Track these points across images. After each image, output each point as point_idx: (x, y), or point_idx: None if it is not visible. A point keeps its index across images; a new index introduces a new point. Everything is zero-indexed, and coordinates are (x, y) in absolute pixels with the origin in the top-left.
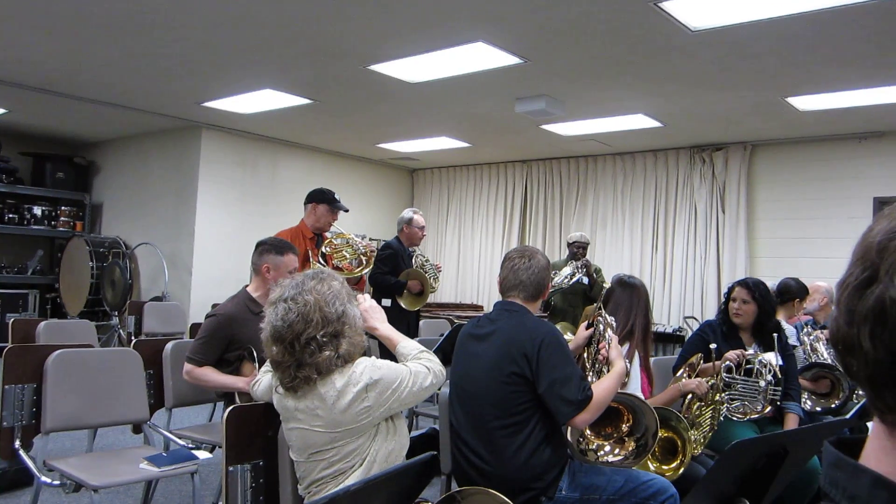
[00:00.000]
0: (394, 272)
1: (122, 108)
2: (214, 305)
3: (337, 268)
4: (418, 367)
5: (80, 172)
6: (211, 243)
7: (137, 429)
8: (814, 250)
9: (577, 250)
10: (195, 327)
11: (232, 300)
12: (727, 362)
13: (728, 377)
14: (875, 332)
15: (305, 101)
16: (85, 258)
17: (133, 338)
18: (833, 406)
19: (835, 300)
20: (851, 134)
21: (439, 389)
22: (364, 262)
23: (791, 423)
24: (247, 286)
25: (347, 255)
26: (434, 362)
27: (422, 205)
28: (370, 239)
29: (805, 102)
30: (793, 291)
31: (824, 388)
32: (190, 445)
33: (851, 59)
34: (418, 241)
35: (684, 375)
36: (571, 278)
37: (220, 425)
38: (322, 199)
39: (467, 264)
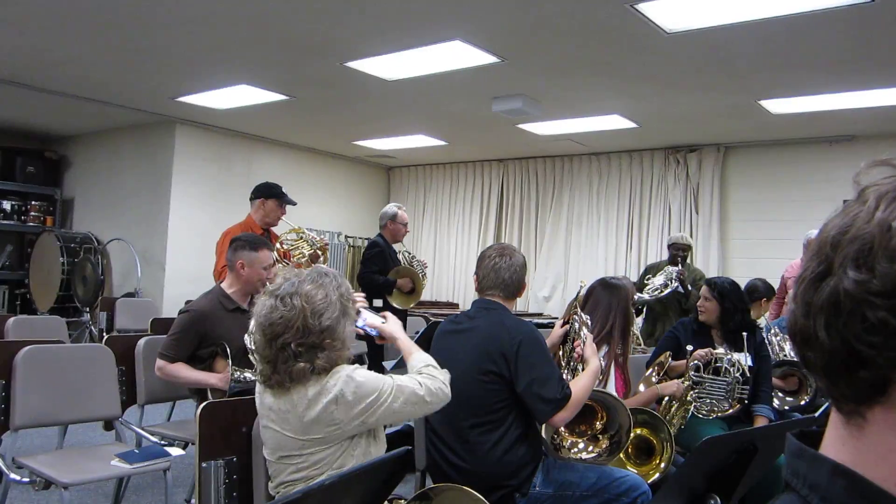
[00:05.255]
0: (382, 271)
1: (95, 102)
2: (188, 302)
3: (297, 264)
4: (409, 381)
5: (50, 167)
6: (184, 239)
7: (109, 426)
8: (785, 251)
9: (677, 253)
10: (157, 322)
11: (206, 296)
12: (695, 361)
13: (696, 375)
14: (830, 322)
15: (281, 97)
16: (55, 254)
17: (105, 334)
18: (802, 403)
19: (792, 295)
20: (822, 137)
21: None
22: (320, 255)
23: (760, 425)
24: (220, 282)
25: (306, 253)
26: (435, 378)
27: (398, 203)
28: (346, 237)
29: (778, 105)
30: (759, 291)
31: (793, 386)
32: (162, 442)
33: (824, 64)
34: (401, 238)
35: (654, 375)
36: (664, 289)
37: (192, 422)
38: (270, 193)
39: (443, 263)
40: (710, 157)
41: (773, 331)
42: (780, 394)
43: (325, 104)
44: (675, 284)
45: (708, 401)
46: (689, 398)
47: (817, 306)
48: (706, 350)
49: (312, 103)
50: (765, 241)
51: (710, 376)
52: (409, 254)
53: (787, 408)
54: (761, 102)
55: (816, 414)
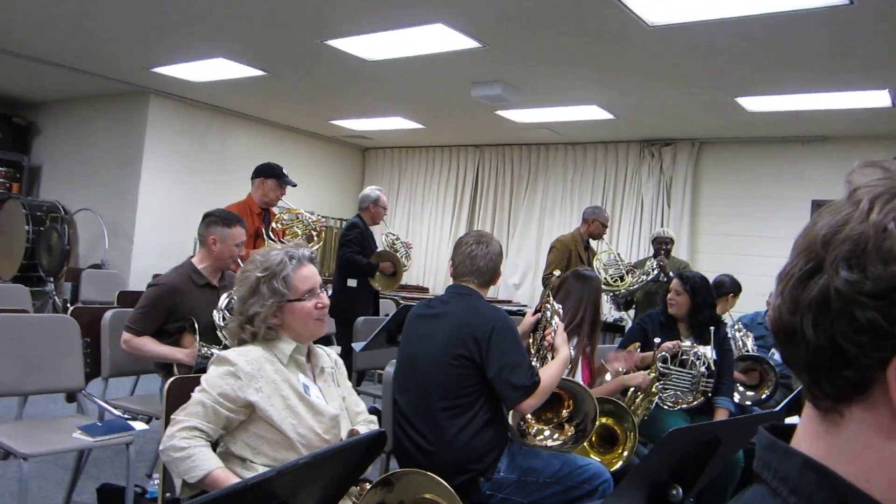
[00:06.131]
0: (363, 253)
1: (67, 69)
2: (156, 275)
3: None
4: (190, 418)
5: (18, 133)
6: (154, 212)
7: (71, 397)
8: (753, 248)
9: (660, 247)
10: (124, 295)
11: (176, 270)
12: (663, 352)
13: (663, 367)
14: (817, 320)
15: (259, 72)
16: (21, 221)
17: (69, 305)
18: (763, 397)
19: (776, 291)
20: (796, 137)
21: (384, 369)
22: (315, 237)
23: (720, 417)
24: (192, 257)
25: (299, 231)
26: (182, 447)
27: (372, 184)
28: (319, 216)
29: (754, 103)
30: (726, 287)
31: (753, 380)
32: (125, 416)
33: (802, 64)
34: (379, 222)
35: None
36: (646, 277)
37: (156, 396)
38: (270, 173)
39: (415, 247)
40: (684, 152)
41: (736, 326)
42: (740, 388)
43: (303, 82)
44: (657, 272)
45: (673, 392)
46: (653, 389)
47: (805, 303)
48: (674, 342)
49: (290, 80)
50: (734, 236)
51: (677, 368)
52: (394, 235)
53: (748, 402)
54: (738, 99)
55: (777, 409)
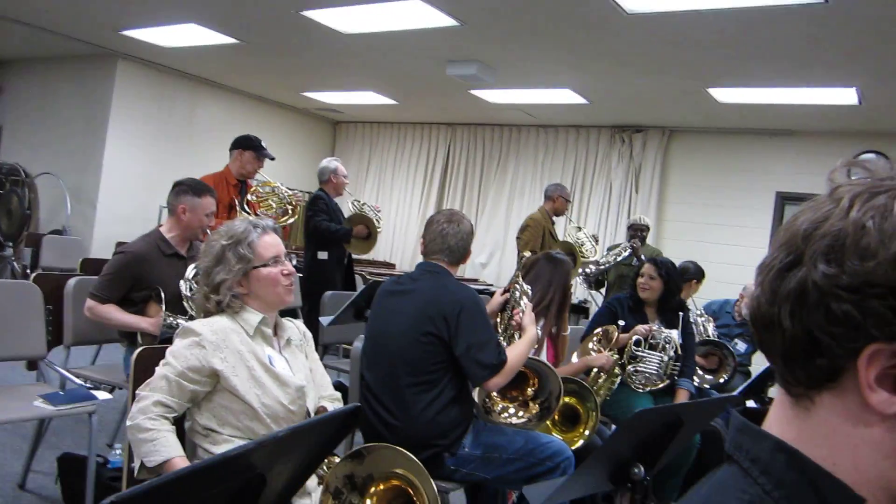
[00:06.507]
0: (332, 221)
1: (33, 28)
2: (119, 243)
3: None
4: (157, 392)
5: None
6: (119, 179)
7: (32, 365)
8: (717, 236)
9: (635, 234)
10: (88, 262)
11: (143, 239)
12: (636, 336)
13: (636, 350)
14: (795, 311)
15: (232, 40)
16: None
17: (29, 271)
18: (721, 381)
19: (756, 281)
20: (764, 129)
21: (350, 344)
22: (290, 211)
23: (682, 398)
24: (160, 226)
25: (273, 205)
26: (145, 427)
27: (342, 159)
28: (297, 191)
29: (725, 95)
30: (690, 273)
31: (713, 365)
32: (87, 385)
33: (774, 58)
34: (343, 192)
35: (593, 339)
36: (617, 257)
37: (118, 366)
38: (248, 145)
39: (383, 223)
40: (654, 139)
41: (698, 312)
42: (699, 371)
43: (276, 52)
44: (627, 253)
45: (644, 375)
46: (616, 371)
47: (783, 295)
48: (647, 326)
49: (263, 50)
50: (699, 224)
51: (647, 351)
52: (360, 201)
53: (706, 385)
54: (709, 90)
55: (736, 392)
